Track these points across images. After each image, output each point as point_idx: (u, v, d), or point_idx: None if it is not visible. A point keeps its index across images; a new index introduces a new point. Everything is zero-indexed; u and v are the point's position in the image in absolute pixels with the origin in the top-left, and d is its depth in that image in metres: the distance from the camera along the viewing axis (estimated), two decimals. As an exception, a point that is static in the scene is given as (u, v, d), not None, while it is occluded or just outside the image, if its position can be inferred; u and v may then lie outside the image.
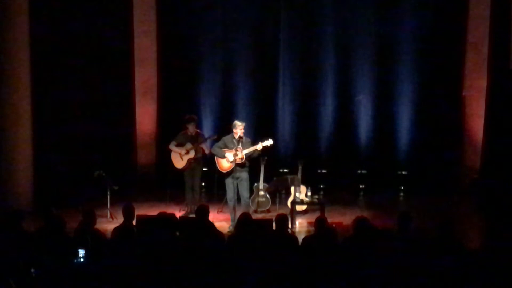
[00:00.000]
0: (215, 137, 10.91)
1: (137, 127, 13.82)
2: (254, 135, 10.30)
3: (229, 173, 9.79)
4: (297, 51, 13.46)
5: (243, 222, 7.08)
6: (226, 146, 9.80)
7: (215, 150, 9.90)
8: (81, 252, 6.23)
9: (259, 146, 9.75)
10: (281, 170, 12.65)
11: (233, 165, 9.68)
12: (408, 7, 13.04)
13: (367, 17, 13.15)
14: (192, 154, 10.72)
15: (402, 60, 13.09)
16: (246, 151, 9.71)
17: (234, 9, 13.51)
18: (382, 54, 13.14)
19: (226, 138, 9.88)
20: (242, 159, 9.69)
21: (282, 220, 7.07)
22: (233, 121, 10.03)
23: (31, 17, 10.94)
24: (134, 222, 7.58)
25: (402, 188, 13.07)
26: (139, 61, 13.69)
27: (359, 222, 6.85)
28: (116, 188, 10.60)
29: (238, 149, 9.68)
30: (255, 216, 10.17)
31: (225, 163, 9.80)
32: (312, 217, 10.24)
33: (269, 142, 9.79)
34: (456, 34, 12.85)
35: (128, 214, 7.37)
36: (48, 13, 11.39)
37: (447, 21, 12.87)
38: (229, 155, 9.70)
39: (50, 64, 11.47)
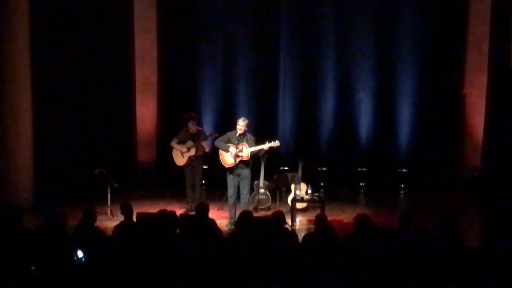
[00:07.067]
0: (216, 135, 10.91)
1: (138, 124, 13.84)
2: (255, 133, 10.29)
3: (232, 169, 9.81)
4: (297, 48, 13.45)
5: (244, 220, 7.08)
6: (229, 141, 9.81)
7: (219, 143, 9.88)
8: (81, 251, 6.23)
9: (266, 146, 9.78)
10: (281, 168, 12.66)
11: (236, 161, 9.69)
12: (408, 5, 13.04)
13: (367, 15, 13.14)
14: (193, 152, 10.72)
15: (403, 58, 13.08)
16: (251, 149, 9.73)
17: (234, 6, 13.51)
18: (382, 52, 13.14)
19: (230, 133, 9.90)
20: (247, 157, 9.70)
21: (278, 217, 7.09)
22: (233, 118, 10.08)
23: (31, 14, 10.92)
24: (133, 219, 7.59)
25: (402, 186, 13.08)
26: (140, 59, 13.71)
27: (360, 220, 6.86)
28: (116, 185, 10.61)
29: (244, 145, 9.69)
30: (256, 214, 10.16)
31: (229, 158, 9.80)
32: (313, 215, 10.24)
33: (276, 144, 9.82)
34: (456, 32, 12.84)
35: (127, 212, 7.38)
36: (48, 10, 11.38)
37: (448, 19, 12.86)
38: (233, 149, 9.71)
39: (51, 62, 11.46)
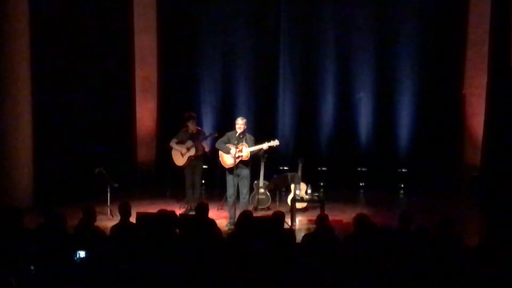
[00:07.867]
0: (216, 134, 10.94)
1: (137, 124, 13.84)
2: (255, 133, 10.30)
3: (231, 169, 9.81)
4: (297, 48, 13.47)
5: (243, 220, 7.08)
6: (229, 141, 9.82)
7: (220, 145, 9.88)
8: (81, 251, 6.24)
9: (265, 146, 9.77)
10: (281, 168, 12.67)
11: (236, 161, 9.69)
12: (408, 5, 13.05)
13: (367, 15, 13.15)
14: (192, 152, 10.72)
15: (403, 58, 13.09)
16: (251, 148, 9.73)
17: (234, 6, 13.52)
18: (382, 52, 13.15)
19: (230, 134, 9.91)
20: (247, 157, 9.70)
21: (278, 217, 7.09)
22: (233, 118, 10.07)
23: (31, 14, 10.91)
24: (132, 219, 7.59)
25: (402, 185, 13.09)
26: (140, 58, 13.71)
27: (360, 220, 6.86)
28: (116, 185, 10.61)
29: (243, 145, 9.69)
30: (255, 214, 10.16)
31: (228, 159, 9.80)
32: (312, 215, 10.28)
33: (275, 143, 9.82)
34: (456, 32, 12.85)
35: (125, 212, 7.37)
36: (48, 10, 11.37)
37: (447, 19, 12.88)
38: (233, 150, 9.71)
39: (51, 62, 11.46)
